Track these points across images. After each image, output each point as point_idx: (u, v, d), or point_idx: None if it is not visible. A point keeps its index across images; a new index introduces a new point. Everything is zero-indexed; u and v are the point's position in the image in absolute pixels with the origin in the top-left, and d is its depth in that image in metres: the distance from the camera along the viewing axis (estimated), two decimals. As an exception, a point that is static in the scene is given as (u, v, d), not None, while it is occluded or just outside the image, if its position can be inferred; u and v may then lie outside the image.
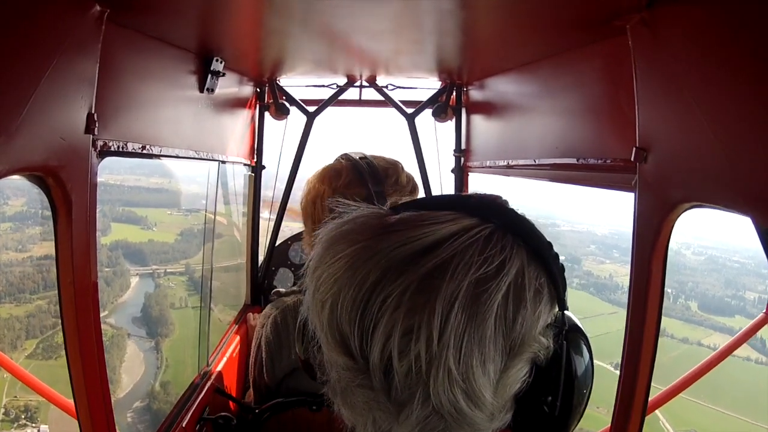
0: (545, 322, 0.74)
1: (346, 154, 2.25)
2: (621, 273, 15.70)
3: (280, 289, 2.29)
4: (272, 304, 2.25)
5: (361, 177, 2.13)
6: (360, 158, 2.20)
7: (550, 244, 0.78)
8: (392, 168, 2.23)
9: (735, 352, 3.14)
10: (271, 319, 2.13)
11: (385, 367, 0.66)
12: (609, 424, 1.91)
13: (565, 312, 0.79)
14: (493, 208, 0.77)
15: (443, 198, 0.80)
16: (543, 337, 0.74)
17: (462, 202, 0.76)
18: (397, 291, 0.65)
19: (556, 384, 0.76)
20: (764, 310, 2.96)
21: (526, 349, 0.71)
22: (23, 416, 10.97)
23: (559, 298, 0.77)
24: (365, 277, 0.67)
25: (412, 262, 0.66)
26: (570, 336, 0.78)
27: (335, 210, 0.79)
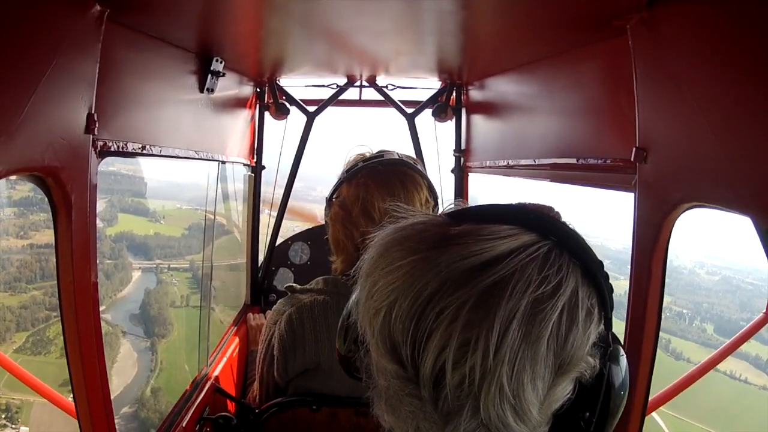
0: (593, 342, 0.75)
1: (402, 160, 2.18)
2: None
3: (295, 285, 2.23)
4: (286, 300, 2.19)
5: (432, 188, 2.15)
6: (415, 162, 2.19)
7: (601, 263, 0.79)
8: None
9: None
10: (286, 316, 2.08)
11: (436, 378, 0.67)
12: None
13: (611, 331, 0.80)
14: (550, 222, 0.77)
15: (502, 209, 0.79)
16: (590, 357, 0.75)
17: (522, 216, 0.76)
18: (454, 304, 0.65)
19: (596, 401, 0.78)
20: (764, 310, 2.95)
21: (574, 368, 0.73)
22: (3, 416, 10.46)
23: (606, 318, 0.78)
24: (422, 288, 0.67)
25: (471, 276, 0.66)
26: (612, 354, 0.80)
27: (393, 214, 0.80)
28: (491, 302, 0.65)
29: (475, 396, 0.66)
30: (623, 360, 0.82)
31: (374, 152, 2.20)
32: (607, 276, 0.79)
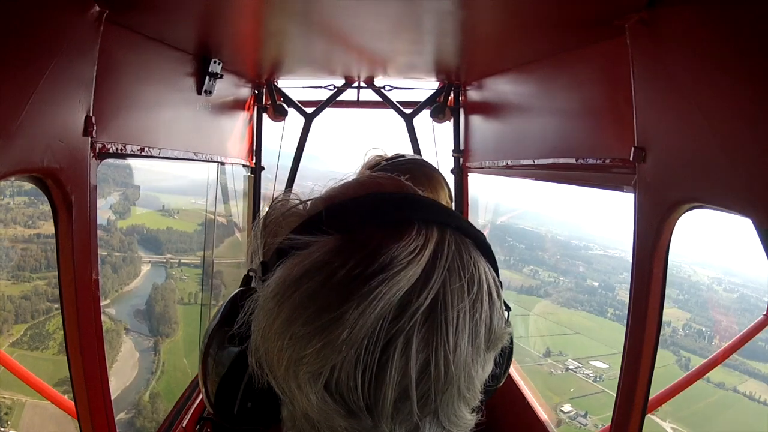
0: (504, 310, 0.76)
1: (424, 161, 2.19)
2: None
3: None
4: None
5: (450, 192, 2.15)
6: (422, 163, 2.18)
7: (481, 231, 0.78)
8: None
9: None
10: None
11: (395, 406, 0.64)
12: (609, 424, 1.91)
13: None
14: (439, 208, 0.75)
15: (393, 206, 0.72)
16: (508, 327, 0.76)
17: (415, 210, 0.72)
18: (402, 332, 0.62)
19: (503, 359, 0.81)
20: (765, 312, 2.96)
21: (501, 343, 0.74)
22: (-11, 417, 9.85)
23: (499, 281, 0.77)
24: (360, 338, 0.62)
25: (406, 304, 0.63)
26: (509, 312, 0.80)
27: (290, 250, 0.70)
28: (435, 320, 0.64)
29: (436, 408, 0.66)
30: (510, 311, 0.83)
31: (392, 155, 2.22)
32: (488, 241, 0.79)
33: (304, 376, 0.65)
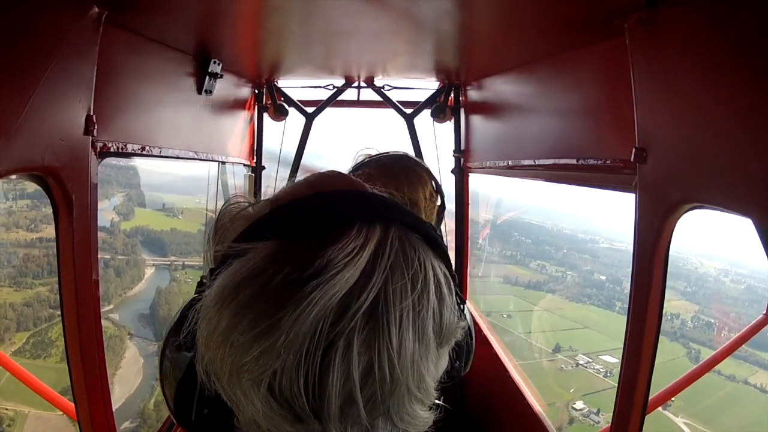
0: (457, 303, 0.75)
1: (409, 157, 2.13)
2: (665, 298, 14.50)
3: None
4: None
5: (438, 186, 2.10)
6: (424, 164, 2.13)
7: (429, 224, 0.76)
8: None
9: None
10: None
11: (341, 410, 0.64)
12: (609, 424, 1.91)
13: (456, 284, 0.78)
14: (384, 204, 0.73)
15: (334, 207, 0.71)
16: (461, 321, 0.75)
17: (358, 208, 0.71)
18: (342, 334, 0.61)
19: (462, 352, 0.80)
20: (764, 312, 2.96)
21: (453, 338, 0.73)
22: (-8, 431, 9.44)
23: (452, 274, 0.76)
24: (300, 341, 0.61)
25: (346, 306, 0.62)
26: (463, 305, 0.80)
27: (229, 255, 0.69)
28: (378, 318, 0.63)
29: (386, 409, 0.65)
30: (466, 304, 0.81)
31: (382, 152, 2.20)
32: (439, 233, 0.77)
33: (247, 383, 0.64)
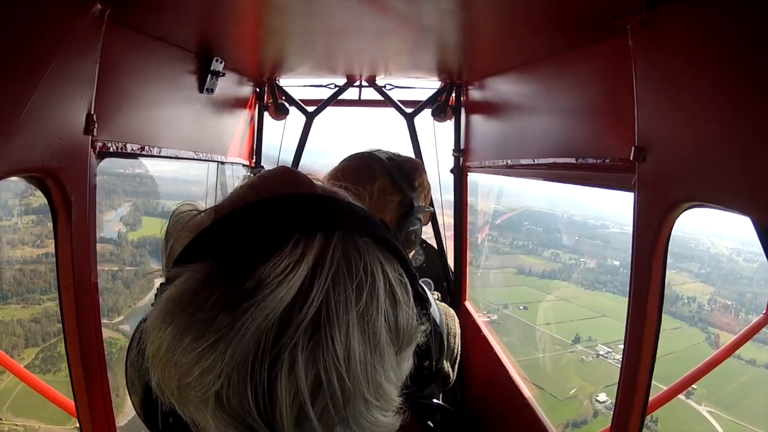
0: (415, 306, 0.72)
1: (370, 154, 2.07)
2: (677, 281, 13.77)
3: None
4: None
5: (395, 181, 2.00)
6: (387, 158, 2.05)
7: (384, 224, 0.74)
8: (418, 169, 2.10)
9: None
10: None
11: (296, 421, 0.62)
12: (609, 424, 1.91)
13: (418, 284, 0.76)
14: (326, 208, 0.71)
15: (270, 221, 0.68)
16: (420, 324, 0.73)
17: (296, 219, 0.68)
18: (286, 350, 0.60)
19: (429, 350, 0.83)
20: (765, 311, 2.96)
21: (412, 342, 0.72)
22: (1, 447, 9.28)
23: (411, 274, 0.74)
24: (243, 356, 0.60)
25: (287, 321, 0.61)
26: (428, 307, 0.77)
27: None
28: (321, 332, 0.61)
29: (342, 418, 0.64)
30: (433, 303, 0.80)
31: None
32: (389, 228, 0.75)
33: (195, 399, 0.64)
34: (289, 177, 0.77)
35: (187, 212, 0.76)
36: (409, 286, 0.71)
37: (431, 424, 1.55)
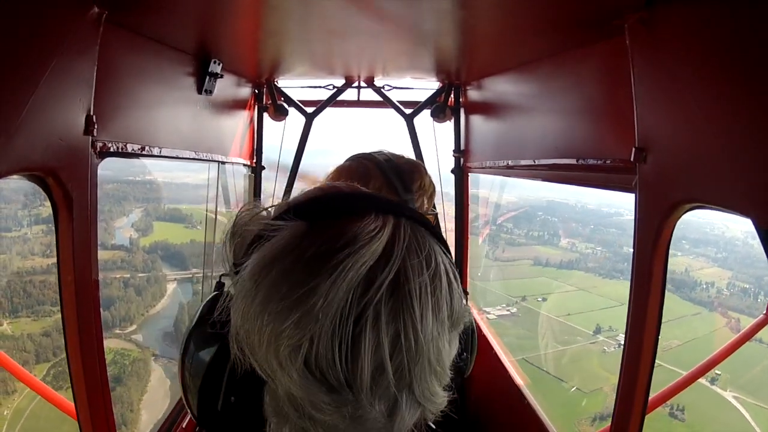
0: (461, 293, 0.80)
1: (368, 155, 2.07)
2: (695, 267, 13.61)
3: None
4: None
5: (390, 182, 1.99)
6: (385, 159, 2.04)
7: (430, 223, 0.83)
8: (417, 171, 2.07)
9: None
10: None
11: (372, 380, 0.68)
12: (609, 424, 1.91)
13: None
14: (391, 201, 0.81)
15: (354, 199, 0.81)
16: (467, 309, 0.80)
17: (372, 201, 0.79)
18: (371, 305, 0.67)
19: (467, 341, 0.88)
20: (765, 312, 2.96)
21: (462, 322, 0.78)
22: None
23: (453, 267, 0.82)
24: (334, 308, 0.66)
25: (372, 278, 0.68)
26: (467, 297, 0.85)
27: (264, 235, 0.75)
28: (400, 293, 0.68)
29: (411, 380, 0.70)
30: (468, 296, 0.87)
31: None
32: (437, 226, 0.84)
33: (285, 350, 0.68)
34: (350, 184, 0.87)
35: (254, 208, 0.84)
36: (456, 275, 0.79)
37: (431, 425, 1.55)
